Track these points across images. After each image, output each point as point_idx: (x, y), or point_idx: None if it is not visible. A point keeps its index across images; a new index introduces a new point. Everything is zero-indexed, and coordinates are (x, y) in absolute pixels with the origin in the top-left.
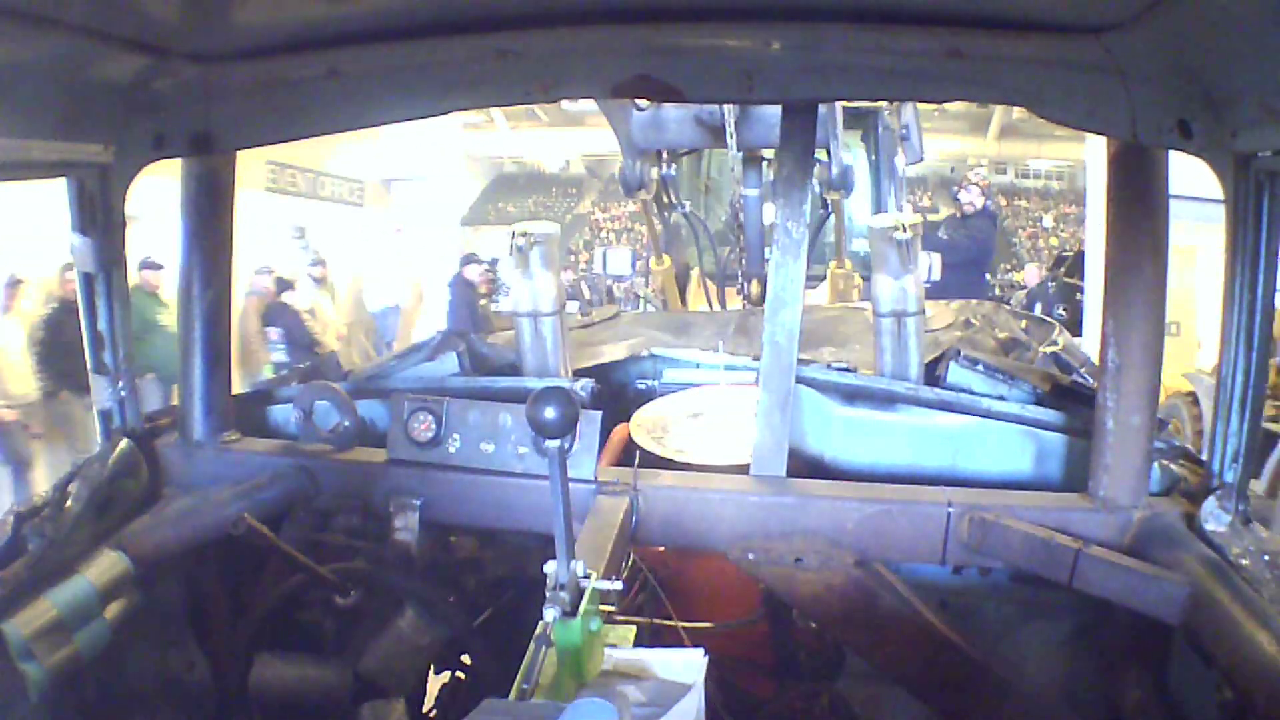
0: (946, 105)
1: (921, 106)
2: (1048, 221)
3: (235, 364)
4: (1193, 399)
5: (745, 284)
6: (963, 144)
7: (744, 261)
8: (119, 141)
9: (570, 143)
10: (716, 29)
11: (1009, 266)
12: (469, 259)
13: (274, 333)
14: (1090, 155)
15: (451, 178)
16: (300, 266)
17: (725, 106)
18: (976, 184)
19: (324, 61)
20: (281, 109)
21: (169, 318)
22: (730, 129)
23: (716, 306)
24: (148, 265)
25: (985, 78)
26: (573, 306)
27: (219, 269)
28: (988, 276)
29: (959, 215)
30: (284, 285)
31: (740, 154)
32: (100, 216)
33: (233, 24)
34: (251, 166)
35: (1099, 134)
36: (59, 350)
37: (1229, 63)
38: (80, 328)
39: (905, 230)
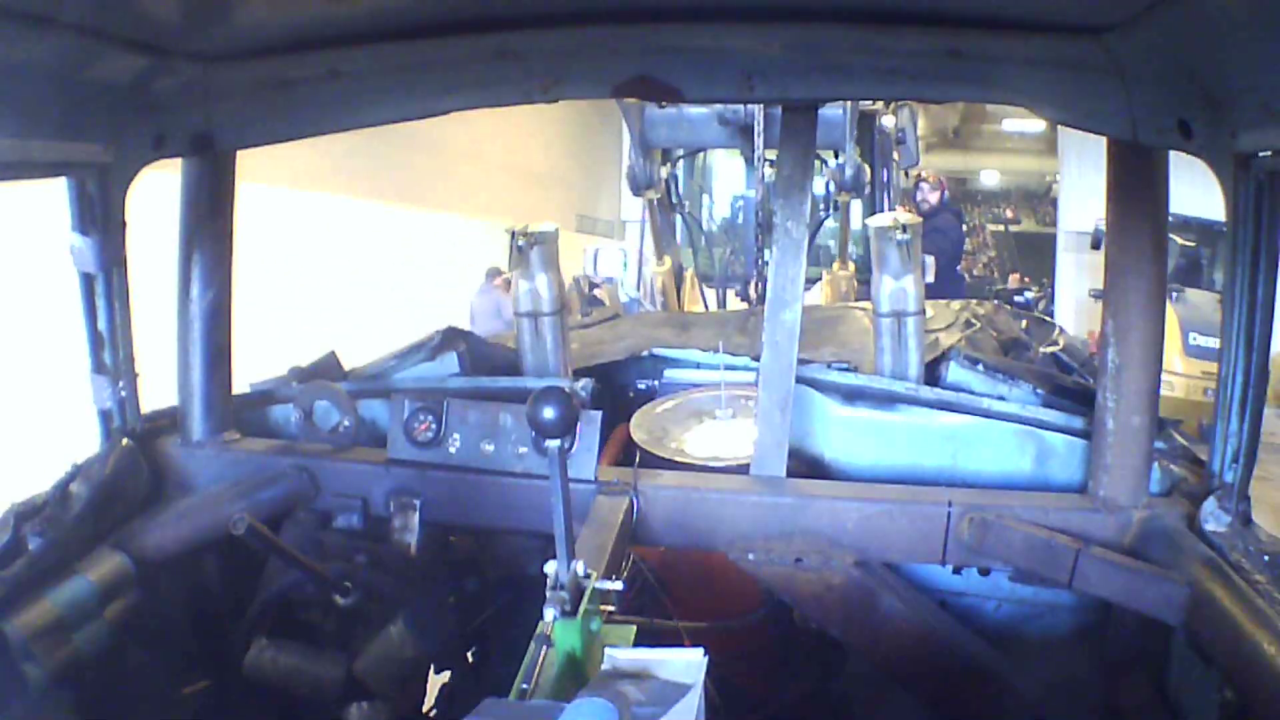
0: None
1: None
2: None
3: None
4: None
5: (750, 285)
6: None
7: (745, 263)
8: (119, 141)
9: None
10: (716, 29)
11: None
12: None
13: None
14: None
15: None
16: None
17: (755, 108)
18: (928, 181)
19: (324, 61)
20: (281, 109)
21: None
22: (759, 128)
23: (713, 307)
24: None
25: (985, 78)
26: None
27: (219, 269)
28: (959, 269)
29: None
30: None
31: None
32: (100, 216)
33: (233, 24)
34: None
35: (1099, 134)
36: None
37: (1229, 63)
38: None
39: (905, 231)
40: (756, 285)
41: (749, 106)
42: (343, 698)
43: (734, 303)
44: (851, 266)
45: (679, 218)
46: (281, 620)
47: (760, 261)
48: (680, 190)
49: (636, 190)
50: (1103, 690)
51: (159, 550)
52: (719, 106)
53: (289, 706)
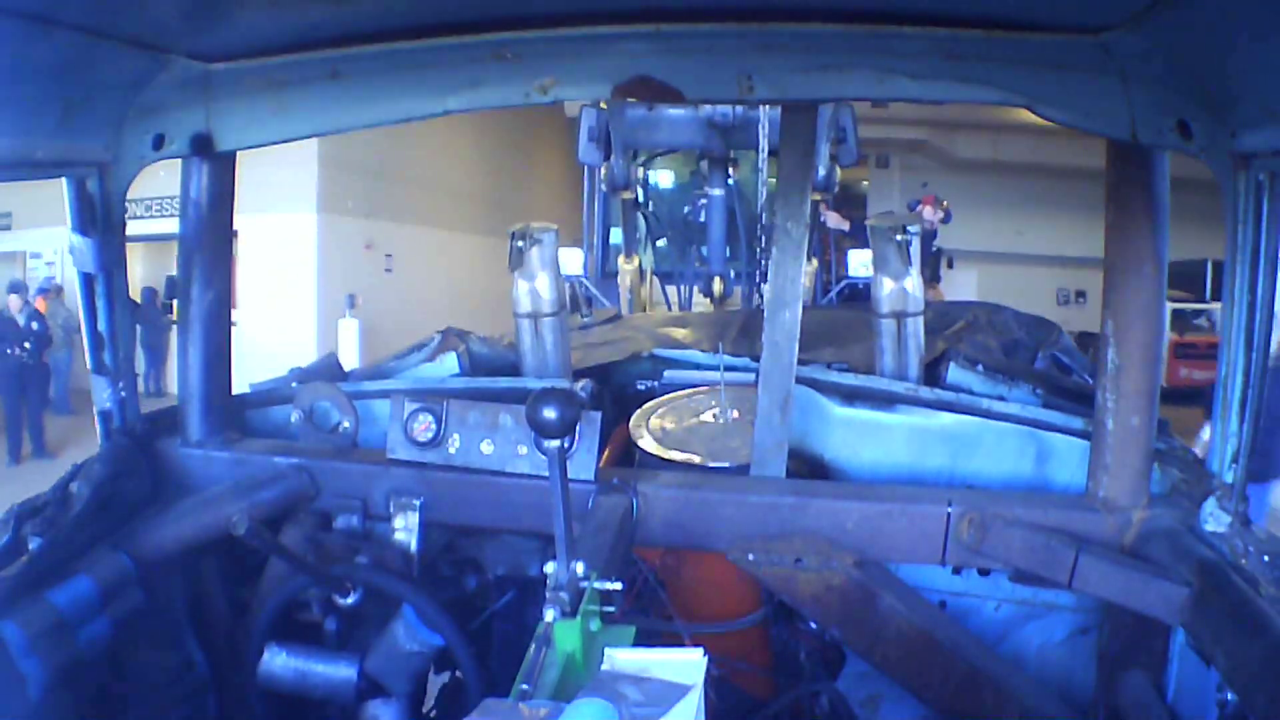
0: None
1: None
2: None
3: None
4: None
5: (711, 282)
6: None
7: (708, 261)
8: (119, 141)
9: None
10: (716, 29)
11: None
12: None
13: None
14: None
15: None
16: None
17: (762, 109)
18: (941, 207)
19: (324, 61)
20: (281, 109)
21: None
22: (764, 130)
23: (675, 306)
24: None
25: (985, 78)
26: None
27: (219, 269)
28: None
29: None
30: None
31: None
32: (100, 216)
33: (233, 24)
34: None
35: (1098, 134)
36: None
37: (1229, 63)
38: None
39: (905, 231)
40: (756, 285)
41: (735, 108)
42: (357, 698)
43: (698, 300)
44: (814, 262)
45: (642, 217)
46: (285, 623)
47: (761, 260)
48: (644, 191)
49: (613, 190)
50: (1103, 691)
51: (159, 550)
52: (705, 109)
53: (292, 708)
